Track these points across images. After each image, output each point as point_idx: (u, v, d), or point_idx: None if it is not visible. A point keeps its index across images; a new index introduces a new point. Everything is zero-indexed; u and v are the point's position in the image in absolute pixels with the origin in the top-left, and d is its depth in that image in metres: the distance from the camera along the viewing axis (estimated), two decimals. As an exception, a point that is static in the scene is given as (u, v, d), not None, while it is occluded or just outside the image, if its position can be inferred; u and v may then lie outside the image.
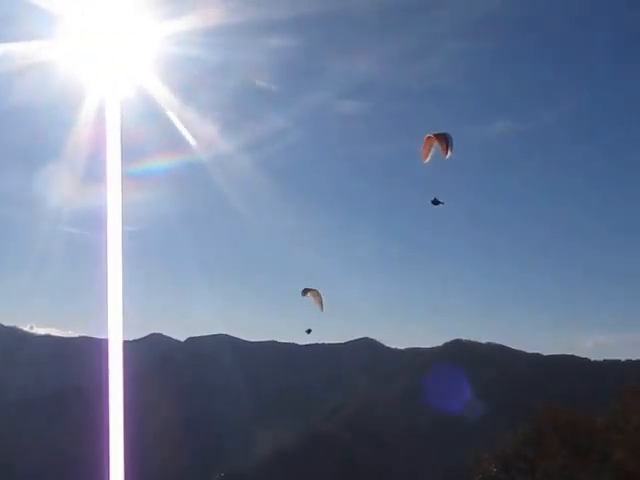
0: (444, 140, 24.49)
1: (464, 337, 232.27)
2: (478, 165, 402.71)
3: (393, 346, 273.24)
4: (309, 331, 38.19)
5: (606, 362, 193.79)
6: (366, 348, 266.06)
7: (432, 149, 25.20)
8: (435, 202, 26.25)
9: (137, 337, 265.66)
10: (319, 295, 34.11)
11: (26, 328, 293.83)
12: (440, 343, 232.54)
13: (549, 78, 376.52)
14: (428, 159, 25.49)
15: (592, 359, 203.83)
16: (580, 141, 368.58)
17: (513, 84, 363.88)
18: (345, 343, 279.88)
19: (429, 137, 25.10)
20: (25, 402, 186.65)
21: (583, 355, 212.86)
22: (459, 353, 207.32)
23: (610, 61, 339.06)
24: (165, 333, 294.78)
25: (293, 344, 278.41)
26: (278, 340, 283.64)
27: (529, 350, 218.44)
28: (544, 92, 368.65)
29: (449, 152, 24.27)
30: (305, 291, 33.97)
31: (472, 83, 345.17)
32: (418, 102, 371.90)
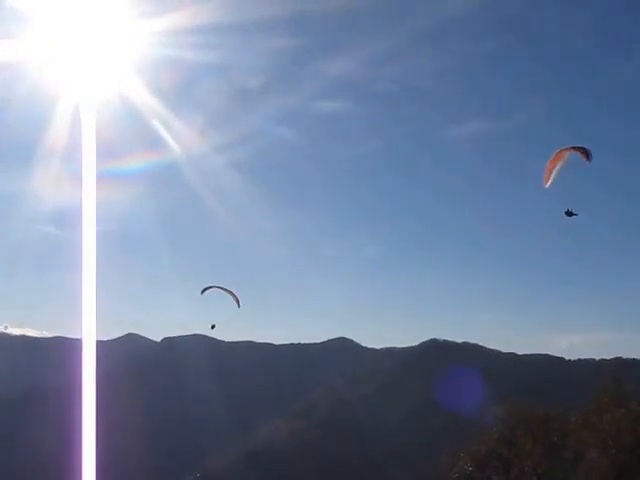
0: (580, 147, 23.78)
1: (440, 337, 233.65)
2: (454, 165, 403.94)
3: (369, 346, 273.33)
4: (213, 326, 38.59)
5: (580, 361, 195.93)
6: (342, 348, 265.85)
7: (557, 168, 24.10)
8: (569, 214, 25.86)
9: (112, 337, 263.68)
10: (232, 292, 34.10)
11: (1, 328, 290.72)
12: (416, 343, 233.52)
13: (523, 78, 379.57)
14: (549, 183, 24.46)
15: (567, 358, 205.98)
16: (554, 140, 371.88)
17: (488, 84, 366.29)
18: (321, 343, 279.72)
19: (562, 150, 24.08)
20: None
21: (558, 354, 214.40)
22: (435, 353, 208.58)
23: (585, 60, 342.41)
24: (141, 333, 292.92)
25: (269, 344, 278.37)
26: (254, 340, 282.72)
27: (504, 349, 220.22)
28: (518, 92, 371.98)
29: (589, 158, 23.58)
30: (205, 290, 33.81)
31: (448, 84, 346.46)
32: (395, 103, 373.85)
